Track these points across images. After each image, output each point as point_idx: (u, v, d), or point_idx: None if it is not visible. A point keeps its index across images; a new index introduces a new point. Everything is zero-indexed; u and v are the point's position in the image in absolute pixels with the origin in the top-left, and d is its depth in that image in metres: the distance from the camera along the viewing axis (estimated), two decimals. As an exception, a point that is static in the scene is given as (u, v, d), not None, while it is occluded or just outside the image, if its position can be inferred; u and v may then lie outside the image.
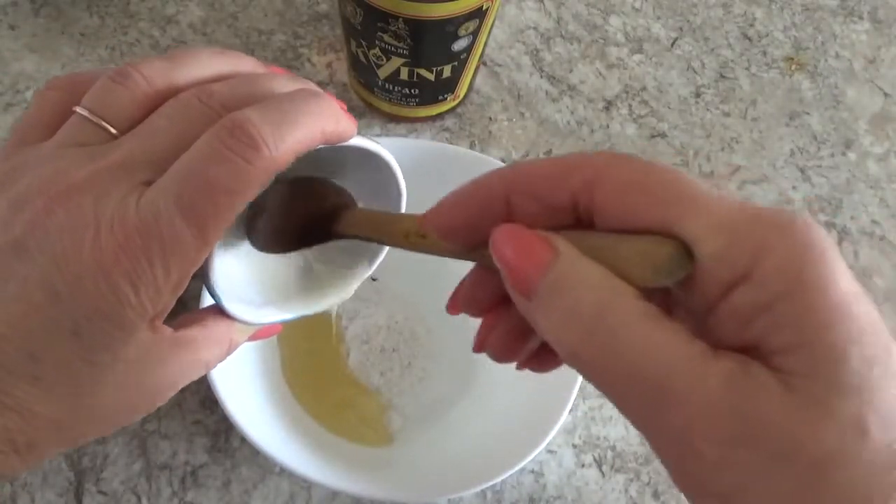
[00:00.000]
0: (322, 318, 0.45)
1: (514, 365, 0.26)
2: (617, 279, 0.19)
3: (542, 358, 0.25)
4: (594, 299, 0.19)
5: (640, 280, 0.19)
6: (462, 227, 0.22)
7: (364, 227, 0.26)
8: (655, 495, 0.45)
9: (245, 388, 0.38)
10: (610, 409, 0.46)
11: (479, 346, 0.25)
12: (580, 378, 0.38)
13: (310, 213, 0.27)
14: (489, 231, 0.21)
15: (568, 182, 0.20)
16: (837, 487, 0.18)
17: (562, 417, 0.38)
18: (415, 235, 0.24)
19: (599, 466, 0.45)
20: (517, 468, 0.37)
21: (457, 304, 0.25)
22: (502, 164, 0.44)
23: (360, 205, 0.28)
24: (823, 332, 0.18)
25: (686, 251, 0.18)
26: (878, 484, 0.18)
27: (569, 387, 0.39)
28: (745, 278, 0.18)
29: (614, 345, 0.19)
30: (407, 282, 0.46)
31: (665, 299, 0.21)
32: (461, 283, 0.25)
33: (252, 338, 0.29)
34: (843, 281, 0.18)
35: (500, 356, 0.24)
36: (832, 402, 0.18)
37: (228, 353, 0.28)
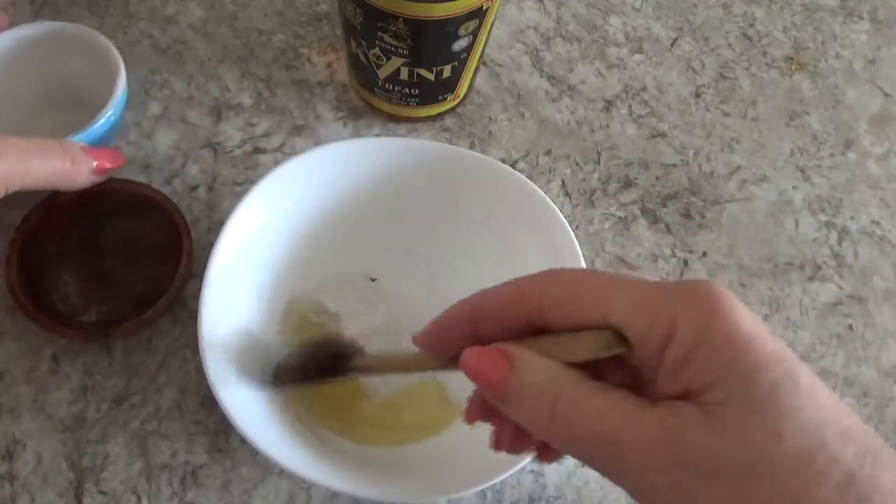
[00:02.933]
0: (322, 320, 0.45)
1: None
2: (565, 370, 0.25)
3: (547, 450, 0.30)
4: (549, 393, 0.24)
5: (591, 357, 0.24)
6: (443, 349, 0.29)
7: (377, 367, 0.36)
8: (655, 495, 0.45)
9: (245, 389, 0.38)
10: (610, 409, 0.46)
11: (496, 446, 0.30)
12: None
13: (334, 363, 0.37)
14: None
15: (520, 309, 0.26)
16: (765, 488, 0.22)
17: None
18: (413, 365, 0.31)
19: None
20: (517, 468, 0.37)
21: (471, 416, 0.30)
22: (501, 164, 0.44)
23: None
24: (732, 367, 0.22)
25: (620, 334, 0.24)
26: (800, 480, 0.21)
27: None
28: (669, 342, 0.23)
29: (571, 423, 0.24)
30: (405, 283, 0.46)
31: (623, 373, 0.25)
32: (469, 400, 0.30)
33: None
34: (746, 324, 0.23)
35: (513, 450, 0.30)
36: (746, 419, 0.22)
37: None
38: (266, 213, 0.42)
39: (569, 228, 0.41)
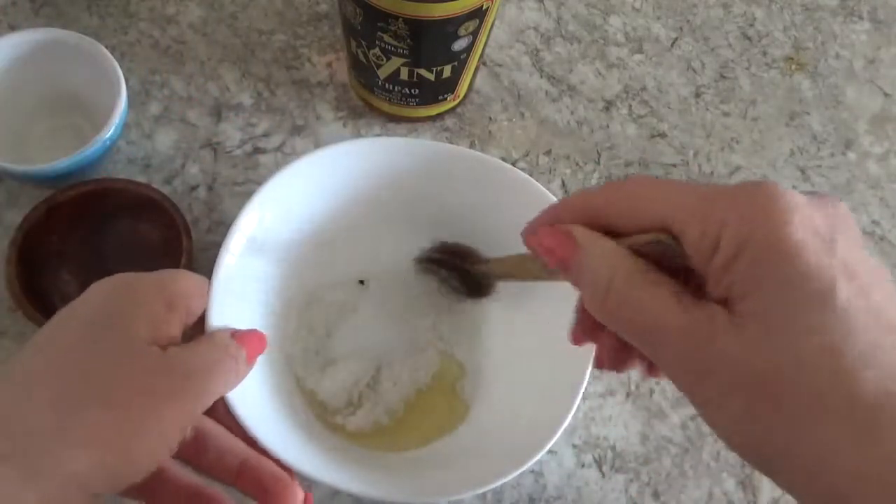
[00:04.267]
0: (324, 321, 0.45)
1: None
2: (625, 259, 0.26)
3: (652, 366, 0.30)
4: (604, 277, 0.26)
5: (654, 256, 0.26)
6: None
7: (504, 271, 0.38)
8: (655, 495, 0.45)
9: (249, 386, 0.38)
10: (610, 409, 0.46)
11: (598, 363, 0.31)
12: (584, 384, 0.38)
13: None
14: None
15: (590, 221, 0.27)
16: (776, 407, 0.22)
17: (565, 422, 0.38)
18: (535, 268, 0.33)
19: (599, 466, 0.45)
20: (518, 473, 0.37)
21: (576, 336, 0.32)
22: (502, 162, 0.44)
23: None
24: (767, 278, 0.22)
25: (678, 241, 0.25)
26: (811, 405, 0.22)
27: (572, 392, 0.38)
28: (715, 250, 0.23)
29: (619, 308, 0.25)
30: (405, 288, 0.46)
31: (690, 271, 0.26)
32: (574, 321, 0.32)
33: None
34: (797, 232, 0.22)
35: (615, 366, 0.31)
36: (770, 335, 0.22)
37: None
38: (273, 212, 0.42)
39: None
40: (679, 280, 0.25)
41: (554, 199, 0.42)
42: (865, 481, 0.21)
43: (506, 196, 0.43)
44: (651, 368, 0.31)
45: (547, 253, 0.28)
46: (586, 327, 0.31)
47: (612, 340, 0.30)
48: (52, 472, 0.26)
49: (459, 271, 0.43)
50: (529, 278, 0.34)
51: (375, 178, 0.44)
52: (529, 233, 0.30)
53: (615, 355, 0.30)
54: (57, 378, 0.28)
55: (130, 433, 0.28)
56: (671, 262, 0.25)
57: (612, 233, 0.27)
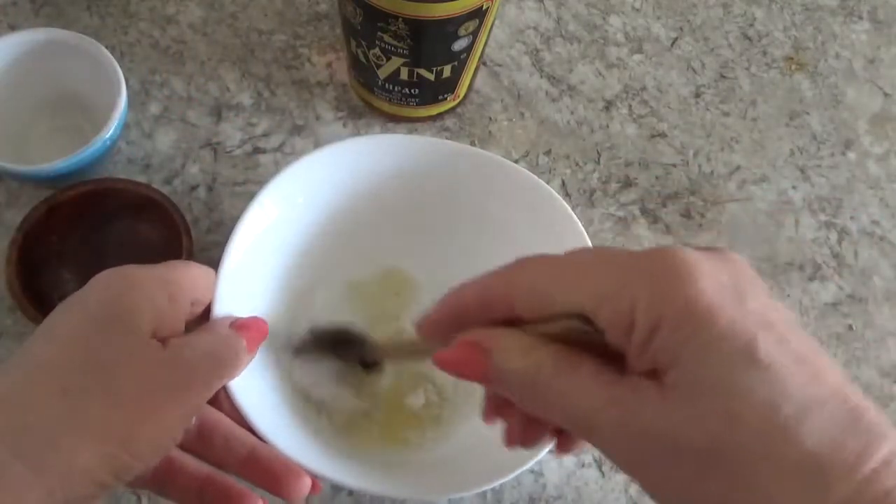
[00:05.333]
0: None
1: None
2: (542, 350, 0.25)
3: (563, 441, 0.30)
4: (527, 377, 0.25)
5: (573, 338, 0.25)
6: (441, 336, 0.28)
7: (385, 353, 0.36)
8: (655, 495, 0.45)
9: (253, 381, 0.38)
10: (610, 409, 0.46)
11: (508, 441, 0.30)
12: None
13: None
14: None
15: (493, 310, 0.26)
16: (725, 475, 0.21)
17: None
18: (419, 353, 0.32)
19: (599, 466, 0.45)
20: (519, 472, 0.37)
21: (488, 416, 0.30)
22: (502, 159, 0.44)
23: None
24: (686, 346, 0.22)
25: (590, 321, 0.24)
26: (757, 467, 0.21)
27: None
28: (631, 328, 0.23)
29: (549, 404, 0.25)
30: (419, 275, 0.46)
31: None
32: (484, 401, 0.30)
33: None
34: (706, 295, 0.22)
35: (526, 443, 0.29)
36: (697, 401, 0.22)
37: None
38: (279, 210, 0.42)
39: (580, 224, 0.42)
40: (600, 356, 0.24)
41: (560, 199, 0.42)
42: None
43: (512, 194, 0.43)
44: (561, 444, 0.30)
45: (456, 370, 0.26)
46: (496, 406, 0.30)
47: (519, 418, 0.29)
48: (59, 464, 0.27)
49: (337, 356, 0.40)
50: (421, 359, 0.32)
51: (381, 175, 0.44)
52: (426, 329, 0.29)
53: (524, 432, 0.29)
54: (62, 370, 0.29)
55: (134, 425, 0.28)
56: (587, 343, 0.24)
57: (516, 322, 0.26)
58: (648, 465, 0.23)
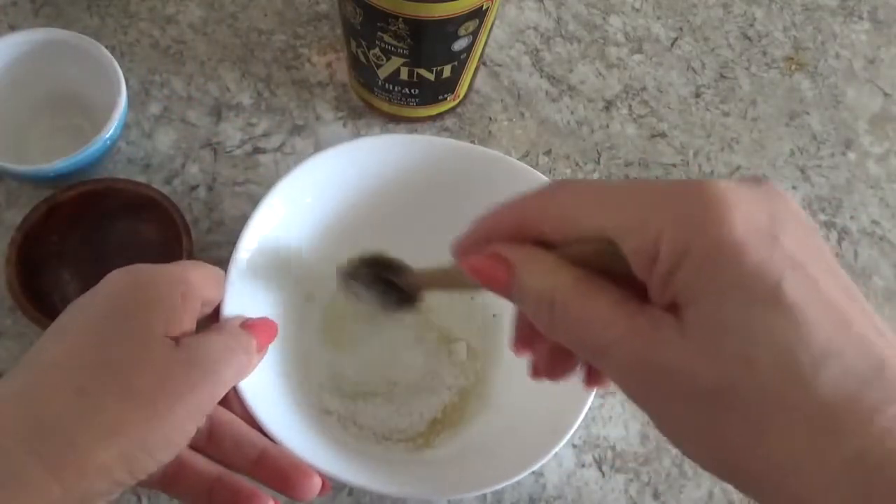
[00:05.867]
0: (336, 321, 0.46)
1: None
2: (564, 272, 0.24)
3: (592, 375, 0.30)
4: (546, 297, 0.25)
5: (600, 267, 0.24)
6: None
7: (433, 281, 0.35)
8: (655, 495, 0.45)
9: (260, 377, 0.38)
10: (610, 408, 0.46)
11: (534, 373, 0.30)
12: (594, 389, 0.38)
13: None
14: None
15: (524, 233, 0.26)
16: (737, 419, 0.21)
17: (573, 427, 0.38)
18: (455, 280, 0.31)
19: (599, 466, 0.45)
20: (522, 476, 0.37)
21: (516, 347, 0.30)
22: (510, 158, 0.44)
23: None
24: (711, 282, 0.21)
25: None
26: (772, 413, 0.20)
27: (581, 396, 0.38)
28: (655, 260, 0.22)
29: (566, 318, 0.24)
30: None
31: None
32: (512, 331, 0.30)
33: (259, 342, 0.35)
34: (737, 229, 0.21)
35: (552, 375, 0.29)
36: (717, 342, 0.21)
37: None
38: (286, 210, 0.42)
39: None
40: (623, 286, 0.24)
41: None
42: (828, 489, 0.20)
43: (517, 192, 0.43)
44: (590, 378, 0.30)
45: (481, 278, 0.26)
46: (524, 335, 0.30)
47: (547, 348, 0.29)
48: (76, 462, 0.27)
49: (382, 284, 0.39)
50: (459, 288, 0.32)
51: (389, 175, 0.44)
52: (459, 249, 0.29)
53: (551, 363, 0.29)
54: (76, 368, 0.29)
55: (149, 423, 0.29)
56: (613, 270, 0.24)
57: (546, 244, 0.26)
58: (661, 400, 0.23)
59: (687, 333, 0.22)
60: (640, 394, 0.24)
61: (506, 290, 0.26)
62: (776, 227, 0.21)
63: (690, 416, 0.22)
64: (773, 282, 0.21)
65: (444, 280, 0.33)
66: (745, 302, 0.21)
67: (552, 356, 0.29)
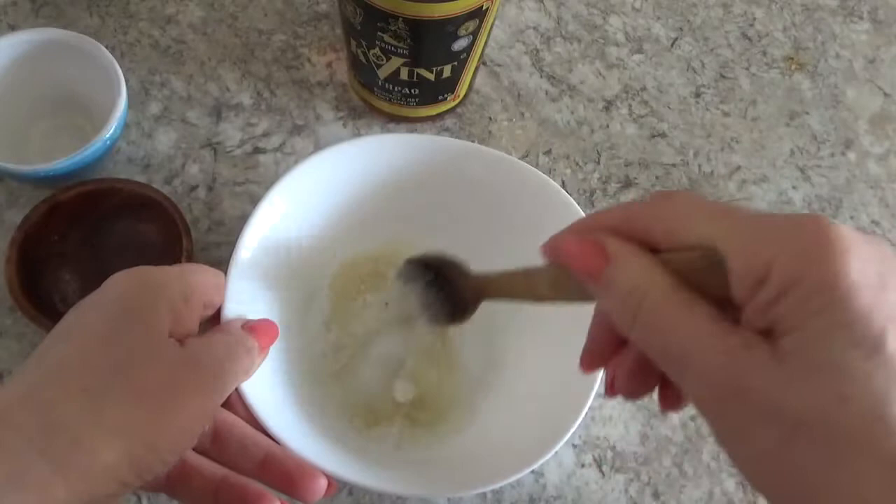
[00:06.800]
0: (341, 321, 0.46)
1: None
2: (659, 274, 0.24)
3: (667, 395, 0.29)
4: (636, 294, 0.25)
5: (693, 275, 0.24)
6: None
7: (498, 287, 0.33)
8: (655, 495, 0.45)
9: (261, 377, 0.38)
10: (610, 409, 0.46)
11: (610, 389, 0.30)
12: (594, 389, 0.38)
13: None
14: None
15: (642, 228, 0.26)
16: (812, 446, 0.21)
17: (573, 427, 0.38)
18: (540, 285, 0.29)
19: (599, 466, 0.45)
20: (522, 475, 0.37)
21: (588, 362, 0.30)
22: (508, 156, 0.44)
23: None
24: (816, 318, 0.21)
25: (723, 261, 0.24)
26: (849, 447, 0.21)
27: (581, 398, 0.38)
28: (761, 285, 0.22)
29: (651, 328, 0.24)
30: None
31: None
32: (586, 345, 0.30)
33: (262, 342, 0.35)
34: (852, 273, 0.21)
35: (630, 393, 0.29)
36: (813, 376, 0.21)
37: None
38: (287, 209, 0.42)
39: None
40: (714, 304, 0.24)
41: (567, 196, 0.42)
42: None
43: (519, 191, 0.44)
44: (666, 400, 0.29)
45: (572, 260, 0.26)
46: (601, 349, 0.30)
47: (629, 364, 0.28)
48: (83, 462, 0.27)
49: (445, 285, 0.37)
50: (527, 298, 0.31)
51: (390, 174, 0.44)
52: (554, 241, 0.28)
53: (631, 381, 0.29)
54: (82, 369, 0.29)
55: (156, 424, 0.29)
56: (709, 286, 0.24)
57: (650, 247, 0.26)
58: (737, 419, 0.23)
59: (783, 360, 0.22)
60: (714, 410, 0.24)
61: (596, 279, 0.26)
62: (886, 278, 0.22)
63: (766, 439, 0.22)
64: (878, 329, 0.21)
65: (513, 284, 0.32)
66: (850, 343, 0.21)
67: (633, 372, 0.28)
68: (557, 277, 0.28)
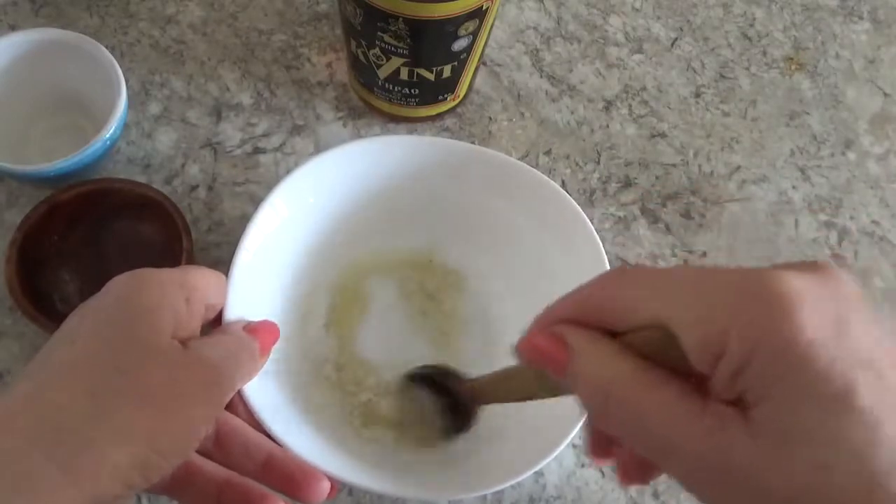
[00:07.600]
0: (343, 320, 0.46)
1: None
2: (622, 361, 0.24)
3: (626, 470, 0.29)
4: (602, 387, 0.24)
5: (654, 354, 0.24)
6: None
7: (492, 389, 0.35)
8: (655, 495, 0.45)
9: (261, 379, 0.38)
10: (610, 409, 0.46)
11: (623, 478, 0.30)
12: None
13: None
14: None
15: (597, 313, 0.26)
16: None
17: (575, 429, 0.38)
18: (528, 383, 0.30)
19: (599, 466, 0.45)
20: (524, 476, 0.37)
21: (596, 453, 0.30)
22: (508, 157, 0.44)
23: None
24: (782, 384, 0.21)
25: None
26: None
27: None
28: (720, 356, 0.22)
29: (623, 411, 0.24)
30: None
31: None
32: (587, 437, 0.31)
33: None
34: (808, 330, 0.20)
35: (643, 479, 0.29)
36: (791, 447, 0.21)
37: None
38: (289, 211, 0.42)
39: (587, 220, 0.42)
40: (680, 376, 0.23)
41: (567, 197, 0.42)
42: None
43: (520, 192, 0.44)
44: (626, 474, 0.29)
45: (537, 357, 0.26)
46: (600, 440, 0.29)
47: (631, 452, 0.28)
48: (89, 464, 0.27)
49: (447, 395, 0.40)
50: (521, 398, 0.31)
51: (392, 175, 0.44)
52: (522, 349, 0.28)
53: (641, 465, 0.28)
54: (87, 371, 0.29)
55: (161, 425, 0.29)
56: (670, 359, 0.23)
57: (609, 332, 0.25)
58: (725, 499, 0.22)
59: (758, 435, 0.21)
60: (707, 494, 0.23)
61: (561, 373, 0.25)
62: (842, 324, 0.21)
63: None
64: (844, 384, 0.20)
65: (504, 384, 0.32)
66: (818, 406, 0.20)
67: (639, 460, 0.28)
68: (541, 374, 0.28)
